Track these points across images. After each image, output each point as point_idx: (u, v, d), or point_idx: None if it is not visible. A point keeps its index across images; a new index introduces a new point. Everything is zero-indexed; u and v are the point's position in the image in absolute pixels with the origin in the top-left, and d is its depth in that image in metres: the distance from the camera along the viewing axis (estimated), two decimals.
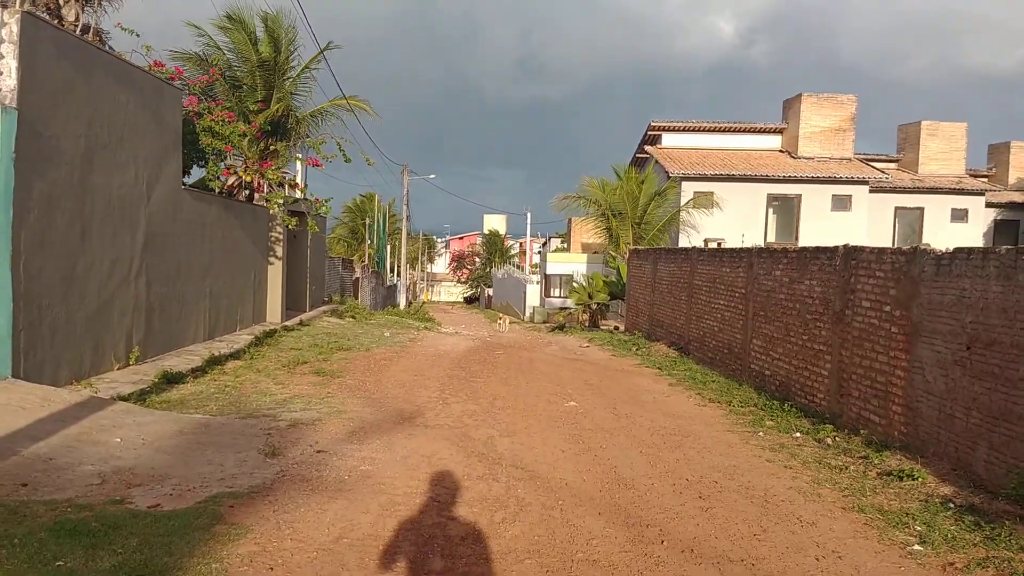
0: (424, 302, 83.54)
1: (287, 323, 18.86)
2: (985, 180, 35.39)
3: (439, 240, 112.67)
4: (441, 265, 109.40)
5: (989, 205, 33.86)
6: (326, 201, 18.11)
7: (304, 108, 22.21)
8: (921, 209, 33.46)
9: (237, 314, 16.66)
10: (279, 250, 18.85)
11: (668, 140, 33.55)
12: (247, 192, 16.91)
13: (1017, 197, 34.83)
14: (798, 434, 8.65)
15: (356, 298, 33.84)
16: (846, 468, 7.23)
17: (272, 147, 16.38)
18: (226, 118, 14.86)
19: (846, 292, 9.12)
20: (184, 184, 14.37)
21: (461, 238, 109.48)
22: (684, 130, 33.83)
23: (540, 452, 7.79)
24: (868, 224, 31.50)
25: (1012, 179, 36.52)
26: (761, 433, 8.69)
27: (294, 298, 22.57)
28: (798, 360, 10.35)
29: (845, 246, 9.31)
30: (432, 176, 50.14)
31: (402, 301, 44.26)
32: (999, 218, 34.78)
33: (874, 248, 8.60)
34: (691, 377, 12.73)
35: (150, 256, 11.76)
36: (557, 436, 8.51)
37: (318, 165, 16.34)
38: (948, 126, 35.43)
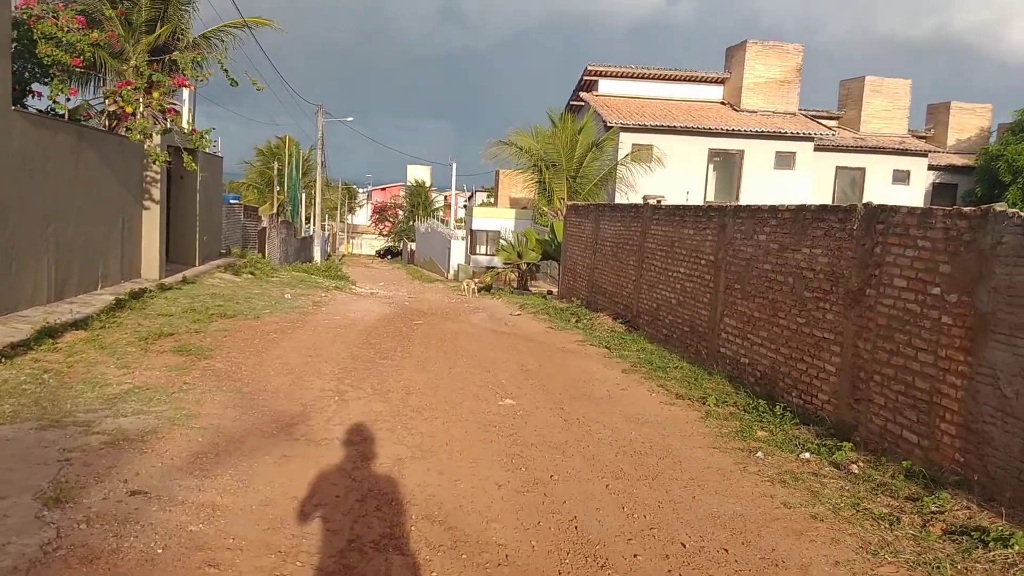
0: (344, 255, 79.97)
1: (166, 280, 15.94)
2: (923, 141, 34.40)
3: (361, 190, 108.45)
4: (363, 217, 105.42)
5: (929, 168, 32.89)
6: (205, 133, 15.07)
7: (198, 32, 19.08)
8: (863, 169, 32.24)
9: (98, 269, 13.71)
10: (156, 192, 15.81)
11: (606, 86, 31.21)
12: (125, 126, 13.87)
13: (957, 160, 33.98)
14: (807, 454, 6.56)
15: (262, 251, 30.72)
16: (897, 521, 5.14)
17: (155, 76, 13.29)
18: (75, 23, 11.71)
19: (867, 266, 7.02)
20: (24, 107, 11.28)
21: (384, 189, 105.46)
22: (623, 76, 31.53)
23: (467, 488, 5.47)
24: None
25: (951, 141, 35.68)
26: (760, 454, 6.56)
27: (180, 250, 19.57)
28: (790, 348, 8.28)
29: (867, 205, 7.19)
30: (350, 119, 46.64)
31: (317, 255, 41.11)
32: (937, 181, 33.90)
33: (915, 209, 6.49)
34: (647, 361, 10.59)
35: None
36: (491, 458, 6.20)
37: (184, 85, 13.30)
38: (892, 82, 34.15)
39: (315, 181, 45.70)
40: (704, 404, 8.28)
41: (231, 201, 35.79)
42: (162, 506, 4.78)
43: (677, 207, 12.17)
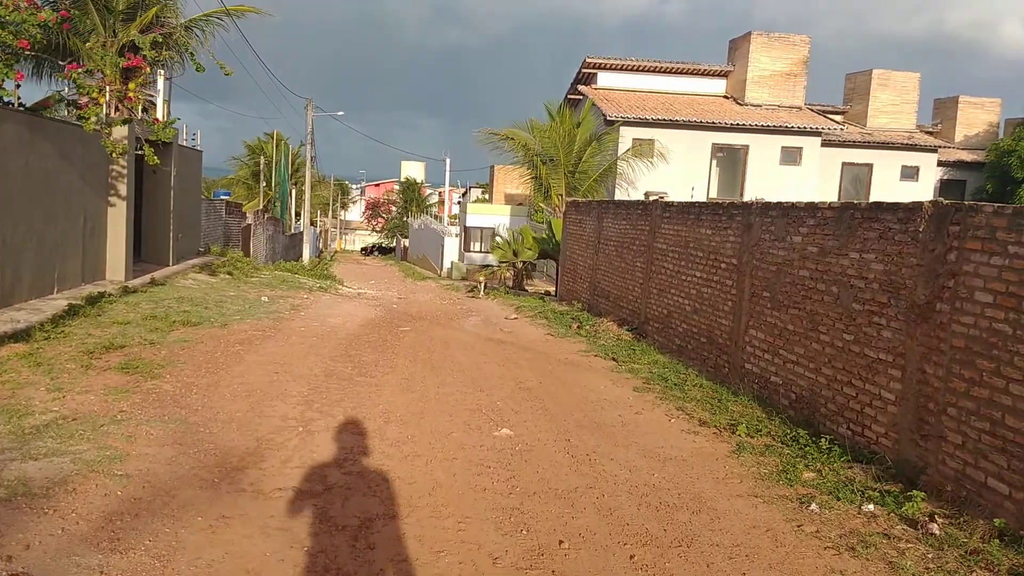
0: (336, 251, 78.61)
1: (133, 282, 14.68)
2: (931, 136, 33.27)
3: (354, 186, 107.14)
4: (356, 213, 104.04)
5: (937, 164, 31.76)
6: (169, 123, 13.76)
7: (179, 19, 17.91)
8: (870, 166, 31.08)
9: (54, 271, 12.44)
10: (123, 188, 14.54)
11: (605, 79, 29.97)
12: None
13: (966, 156, 32.87)
14: (870, 506, 5.35)
15: (246, 249, 29.42)
16: None
17: (113, 59, 11.95)
18: (23, 2, 10.41)
19: (937, 276, 5.83)
20: None
21: (377, 185, 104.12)
22: (622, 68, 30.31)
23: (454, 564, 4.26)
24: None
25: (958, 136, 34.57)
26: (814, 506, 5.34)
27: (153, 249, 18.32)
28: (834, 369, 7.08)
29: (936, 203, 5.99)
30: (341, 113, 45.23)
31: (306, 252, 39.78)
32: (945, 178, 32.77)
33: (1003, 208, 5.29)
34: (661, 376, 9.37)
35: None
36: (484, 514, 4.98)
37: (137, 65, 11.99)
38: (900, 76, 33.00)
39: (305, 177, 44.37)
40: (734, 433, 7.07)
41: (221, 197, 34.51)
42: None
43: (692, 204, 10.95)
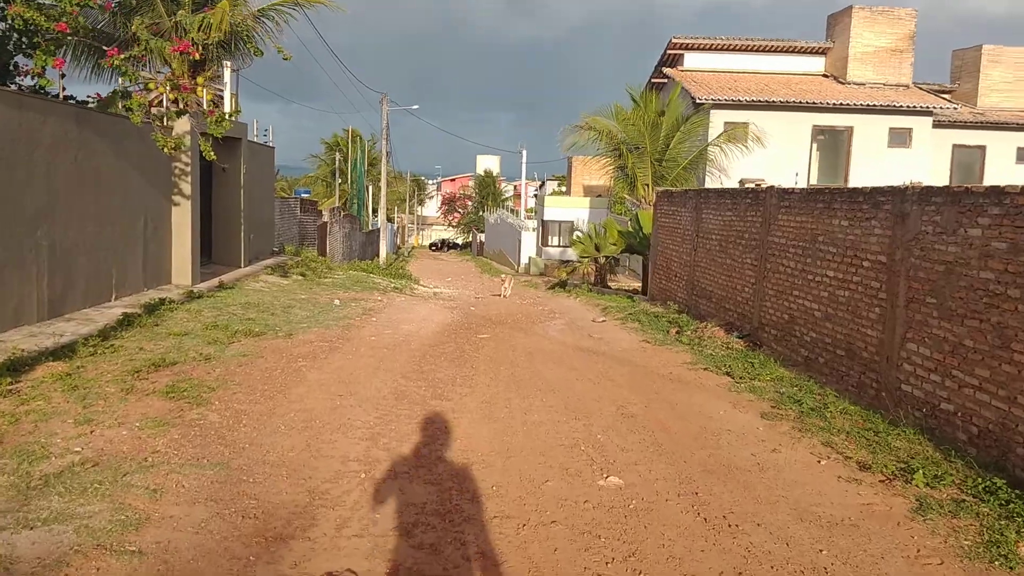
0: (413, 247, 78.53)
1: (199, 286, 13.90)
2: None
3: (430, 182, 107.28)
4: (432, 208, 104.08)
5: None
6: (228, 116, 12.79)
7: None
8: (982, 148, 28.36)
9: (112, 277, 11.67)
10: (187, 186, 13.76)
11: (692, 61, 28.15)
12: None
13: None
14: None
15: (322, 247, 28.81)
16: None
17: (154, 42, 11.01)
18: None
19: None
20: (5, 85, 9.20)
21: (453, 180, 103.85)
22: (711, 48, 28.41)
23: None
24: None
25: None
26: None
27: (224, 250, 17.62)
28: None
29: None
30: (416, 107, 44.44)
31: (383, 249, 39.12)
32: None
33: None
34: (792, 398, 7.82)
35: None
36: None
37: (184, 50, 10.95)
38: (1013, 51, 30.03)
39: (381, 173, 43.78)
40: (908, 482, 5.53)
41: (301, 196, 34.13)
42: None
43: (820, 191, 9.32)
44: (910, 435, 6.52)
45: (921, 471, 5.59)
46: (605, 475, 5.55)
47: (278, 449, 5.82)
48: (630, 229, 20.96)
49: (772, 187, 10.93)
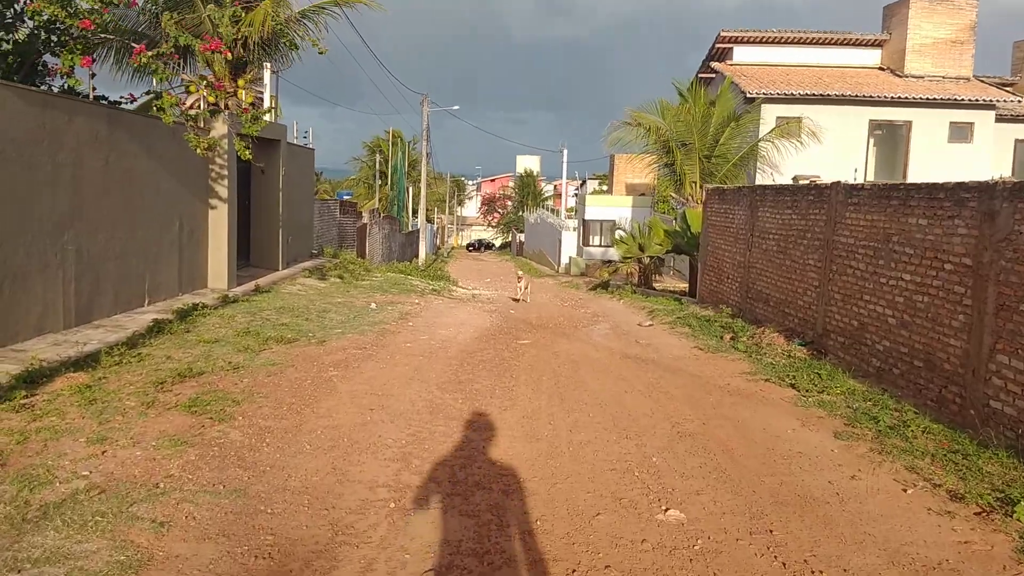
0: (453, 247, 78.34)
1: (235, 290, 13.59)
2: None
3: (470, 183, 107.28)
4: (472, 209, 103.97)
5: None
6: (258, 115, 12.36)
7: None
8: None
9: (144, 282, 11.37)
10: (224, 189, 13.45)
11: (741, 54, 27.24)
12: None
13: None
14: None
15: (361, 249, 28.51)
16: None
17: (183, 38, 10.57)
18: None
19: None
20: (10, 79, 8.87)
21: (493, 180, 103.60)
22: (761, 42, 27.50)
23: None
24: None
25: None
26: None
27: (262, 253, 17.34)
28: None
29: None
30: (456, 107, 44.05)
31: (422, 250, 38.77)
32: None
33: None
34: (867, 414, 7.08)
35: None
36: None
37: (216, 48, 10.46)
38: None
39: (421, 174, 43.49)
40: (1009, 515, 4.81)
41: (344, 198, 33.97)
42: None
43: (895, 186, 8.54)
44: (1003, 458, 5.78)
45: (1022, 502, 4.88)
46: (664, 507, 4.92)
47: (301, 472, 5.31)
48: (677, 228, 20.21)
49: (838, 183, 10.16)
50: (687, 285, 21.91)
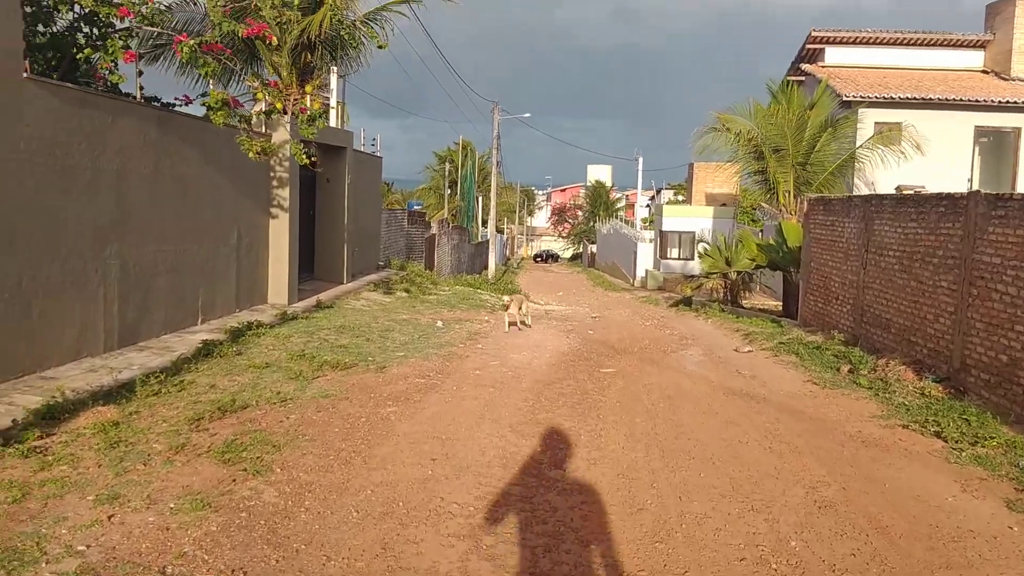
0: (523, 258, 77.37)
1: (295, 306, 12.77)
2: None
3: (540, 192, 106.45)
4: (541, 219, 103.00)
5: None
6: (317, 116, 11.41)
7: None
8: None
9: (198, 299, 10.58)
10: (286, 198, 12.66)
11: (834, 55, 25.41)
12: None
13: None
14: None
15: (430, 260, 27.70)
16: None
17: (252, 32, 9.68)
18: None
19: None
20: (48, 77, 8.10)
21: (563, 190, 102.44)
22: (854, 42, 25.61)
23: None
24: None
25: None
26: None
27: (326, 266, 16.57)
28: None
29: None
30: (527, 115, 43.09)
31: (492, 262, 37.80)
32: None
33: None
34: None
35: None
36: None
37: (258, 33, 9.47)
38: None
39: (491, 184, 42.64)
40: None
41: (414, 208, 33.35)
42: None
43: None
44: None
45: None
46: None
47: (343, 553, 4.22)
48: (771, 242, 18.61)
49: (977, 192, 8.64)
50: (779, 303, 20.28)
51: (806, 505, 5.21)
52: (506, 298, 13.62)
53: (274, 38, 9.04)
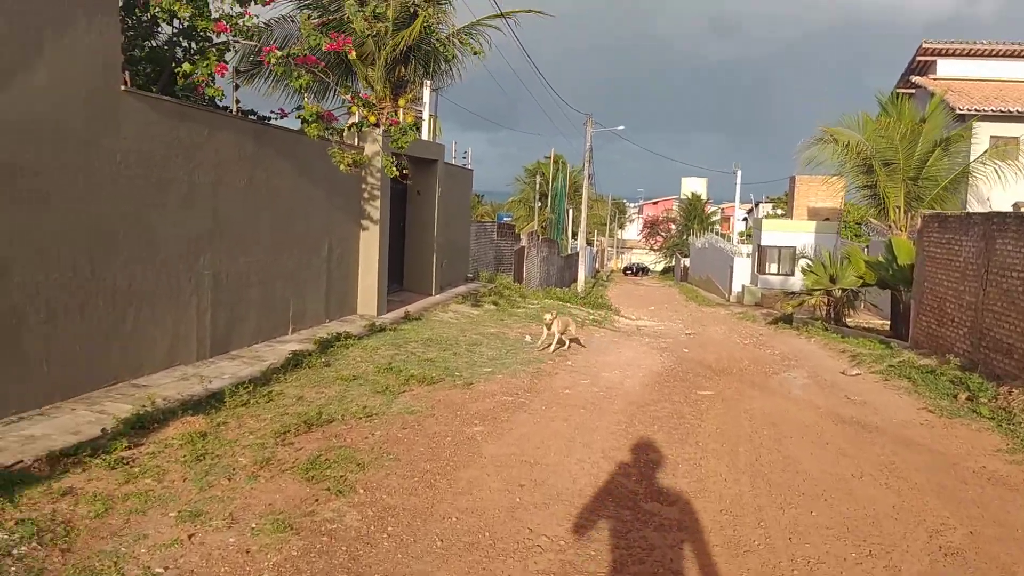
0: (612, 271, 76.57)
1: (384, 318, 12.76)
2: None
3: (631, 205, 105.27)
4: (632, 231, 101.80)
5: None
6: (409, 126, 11.33)
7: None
8: None
9: (289, 309, 10.66)
10: (377, 210, 12.68)
11: (946, 68, 24.07)
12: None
13: None
14: None
15: (519, 272, 27.56)
16: None
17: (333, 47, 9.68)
18: None
19: None
20: (147, 90, 8.27)
21: (655, 203, 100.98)
22: (968, 54, 24.22)
23: None
24: None
25: None
26: None
27: (415, 277, 16.58)
28: None
29: None
30: (621, 127, 42.61)
31: (581, 275, 37.39)
32: None
33: None
34: None
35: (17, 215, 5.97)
36: None
37: (339, 48, 9.36)
38: None
39: (582, 196, 42.30)
40: None
41: (504, 220, 33.44)
42: None
43: None
44: None
45: None
46: None
47: None
48: (879, 259, 17.61)
49: None
50: (885, 323, 19.20)
51: (930, 551, 4.68)
52: (548, 316, 11.82)
53: (353, 53, 8.98)
